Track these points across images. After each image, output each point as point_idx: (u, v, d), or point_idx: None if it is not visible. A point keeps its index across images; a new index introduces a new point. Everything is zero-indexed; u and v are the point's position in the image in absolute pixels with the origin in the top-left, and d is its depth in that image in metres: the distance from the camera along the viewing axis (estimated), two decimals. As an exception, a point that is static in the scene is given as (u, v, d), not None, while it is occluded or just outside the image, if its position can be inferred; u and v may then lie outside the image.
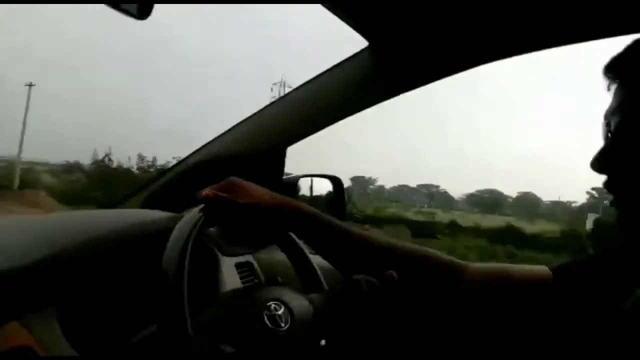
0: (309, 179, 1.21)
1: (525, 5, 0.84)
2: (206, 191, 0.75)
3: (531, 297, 0.72)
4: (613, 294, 0.61)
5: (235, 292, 0.84)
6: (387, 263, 0.75)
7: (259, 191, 0.77)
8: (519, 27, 0.91)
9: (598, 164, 0.58)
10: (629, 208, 0.56)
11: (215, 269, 1.02)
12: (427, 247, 0.83)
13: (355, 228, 0.82)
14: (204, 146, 1.22)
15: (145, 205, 1.18)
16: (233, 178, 0.78)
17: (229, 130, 1.19)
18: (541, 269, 0.75)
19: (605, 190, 0.58)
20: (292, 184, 1.17)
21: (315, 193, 1.24)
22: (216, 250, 1.04)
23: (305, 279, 0.86)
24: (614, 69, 0.56)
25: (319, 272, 0.86)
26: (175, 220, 0.72)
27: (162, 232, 0.72)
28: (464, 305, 0.75)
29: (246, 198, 0.75)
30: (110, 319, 0.76)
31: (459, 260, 0.81)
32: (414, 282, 0.76)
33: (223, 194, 0.75)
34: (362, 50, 1.02)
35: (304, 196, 1.23)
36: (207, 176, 1.17)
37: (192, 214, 0.73)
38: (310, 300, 0.80)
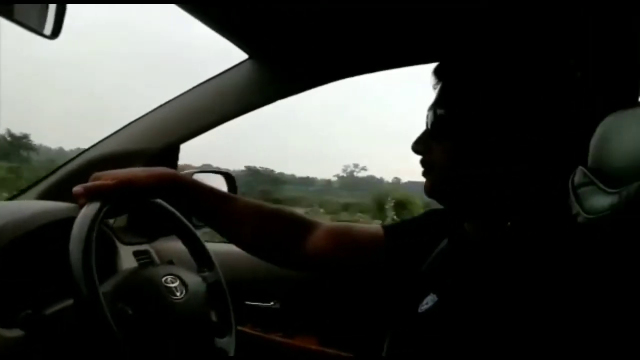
0: (202, 175, 1.30)
1: (391, 22, 0.96)
2: (75, 188, 0.77)
3: (367, 250, 0.85)
4: (428, 244, 0.76)
5: (135, 268, 0.94)
6: (253, 221, 0.86)
7: (128, 171, 0.81)
8: (383, 43, 1.05)
9: (416, 146, 0.69)
10: (434, 180, 0.69)
11: (113, 255, 1.10)
12: (291, 209, 0.94)
13: (225, 192, 0.90)
14: (99, 142, 1.28)
15: (40, 199, 1.22)
16: (96, 173, 0.81)
17: (124, 127, 1.27)
18: (377, 226, 0.89)
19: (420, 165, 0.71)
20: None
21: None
22: (114, 239, 1.13)
23: (198, 259, 0.98)
24: (438, 72, 0.69)
25: (210, 253, 0.98)
26: (76, 209, 0.77)
27: (67, 218, 0.80)
28: (308, 258, 0.87)
29: (117, 180, 0.77)
30: (25, 298, 0.82)
31: (316, 220, 0.91)
32: (269, 238, 0.87)
33: (105, 184, 0.77)
34: (244, 61, 1.16)
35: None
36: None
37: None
38: (203, 278, 0.95)
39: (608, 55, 0.88)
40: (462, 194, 0.66)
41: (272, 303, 1.26)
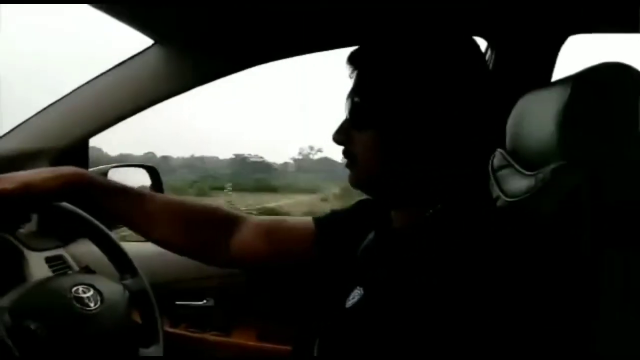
0: (120, 169, 1.21)
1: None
2: None
3: (298, 245, 0.82)
4: (358, 236, 0.75)
5: (42, 279, 0.85)
6: (175, 221, 0.81)
7: (29, 174, 0.75)
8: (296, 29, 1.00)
9: (337, 136, 0.67)
10: (357, 171, 0.67)
11: (20, 264, 1.00)
12: (217, 205, 0.90)
13: (138, 189, 0.84)
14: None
15: None
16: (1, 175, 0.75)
17: (21, 124, 1.15)
18: (308, 220, 0.84)
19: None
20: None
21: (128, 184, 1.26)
22: (21, 247, 1.03)
23: (117, 265, 0.91)
24: (353, 60, 0.66)
25: (129, 257, 0.91)
26: None
27: None
28: (237, 255, 0.84)
29: (18, 184, 0.73)
30: None
31: (244, 216, 0.87)
32: (192, 237, 0.82)
33: (4, 189, 0.72)
34: (149, 47, 1.08)
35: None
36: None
37: None
38: (125, 285, 0.88)
39: (522, 36, 0.89)
40: (386, 184, 0.65)
41: (204, 301, 1.21)
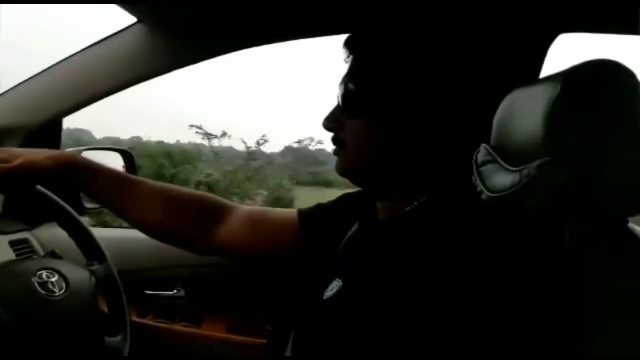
0: (93, 152, 1.17)
1: None
2: None
3: (282, 237, 0.81)
4: (341, 229, 0.75)
5: (5, 262, 0.81)
6: (161, 206, 0.80)
7: (29, 152, 0.76)
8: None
9: (327, 123, 0.67)
10: (346, 158, 0.66)
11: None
12: (205, 192, 0.88)
13: (129, 175, 0.84)
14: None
15: None
16: (5, 149, 0.76)
17: None
18: (292, 211, 0.84)
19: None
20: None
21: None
22: (-17, 229, 0.98)
23: (85, 250, 0.87)
24: (349, 45, 0.66)
25: (98, 242, 0.88)
26: None
27: None
28: (222, 245, 0.82)
29: (19, 162, 0.72)
30: None
31: (232, 205, 0.85)
32: (177, 224, 0.81)
33: (6, 166, 0.72)
34: (131, 25, 1.03)
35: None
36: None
37: None
38: (92, 271, 0.84)
39: (512, 32, 0.89)
40: (374, 172, 0.64)
41: (175, 291, 1.17)
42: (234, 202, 0.87)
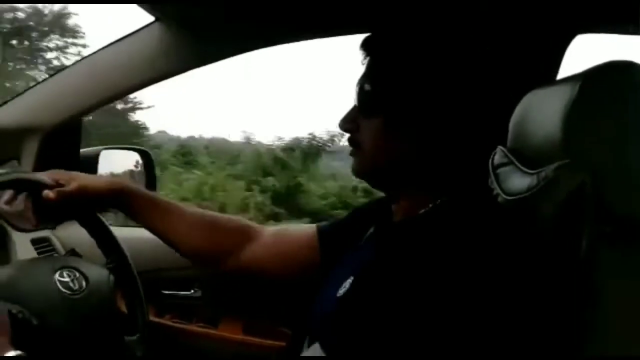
0: (112, 152, 1.20)
1: None
2: (50, 193, 0.77)
3: (303, 255, 0.83)
4: (357, 237, 0.75)
5: (26, 260, 0.84)
6: (194, 230, 0.85)
7: (86, 178, 0.82)
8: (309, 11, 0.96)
9: (344, 124, 0.68)
10: (362, 159, 0.67)
11: (5, 244, 0.98)
12: (232, 216, 0.93)
13: (167, 200, 0.89)
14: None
15: None
16: (57, 171, 0.82)
17: (14, 98, 1.12)
18: (311, 228, 0.85)
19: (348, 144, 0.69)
20: (92, 158, 1.15)
21: (119, 167, 1.24)
22: (6, 226, 1.00)
23: (105, 248, 0.89)
24: (366, 46, 0.66)
25: (118, 240, 0.89)
26: None
27: None
28: (247, 266, 0.85)
29: (76, 187, 0.78)
30: None
31: (257, 227, 0.89)
32: (208, 246, 0.86)
33: (64, 190, 0.78)
34: (149, 24, 1.04)
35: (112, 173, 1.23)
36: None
37: None
38: (110, 269, 0.86)
39: (529, 32, 0.88)
40: (389, 173, 0.65)
41: (192, 291, 1.19)
42: (261, 225, 0.91)
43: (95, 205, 0.84)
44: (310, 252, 0.82)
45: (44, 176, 0.80)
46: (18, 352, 0.60)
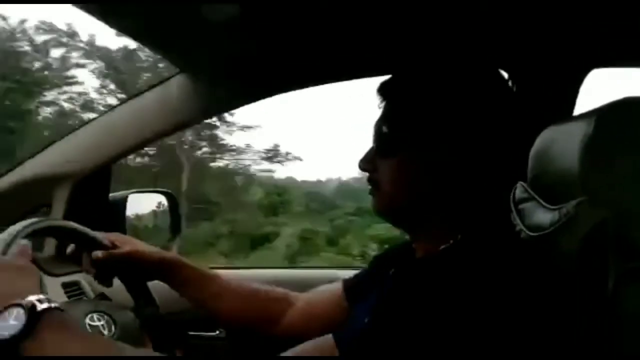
0: (139, 195, 1.23)
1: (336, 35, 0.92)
2: (99, 254, 0.81)
3: (334, 314, 0.85)
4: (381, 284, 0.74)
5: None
6: (233, 301, 0.89)
7: (140, 244, 0.86)
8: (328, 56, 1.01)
9: (362, 164, 0.70)
10: (381, 198, 0.68)
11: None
12: (273, 287, 0.95)
13: (211, 272, 0.92)
14: (19, 164, 1.17)
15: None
16: (117, 234, 0.87)
17: (46, 148, 1.17)
18: (337, 285, 0.89)
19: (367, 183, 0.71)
20: (121, 202, 1.19)
21: (143, 208, 1.28)
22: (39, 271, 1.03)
23: (135, 294, 0.90)
24: (382, 91, 0.68)
25: (147, 285, 0.90)
26: None
27: None
28: (282, 334, 0.88)
29: (127, 251, 0.83)
30: None
31: (293, 296, 0.93)
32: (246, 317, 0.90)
33: (116, 253, 0.82)
34: (174, 75, 1.10)
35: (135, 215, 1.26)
36: (31, 196, 1.15)
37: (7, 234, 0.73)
38: (138, 313, 0.87)
39: (545, 68, 0.89)
40: (408, 212, 0.66)
41: (217, 332, 1.19)
42: (295, 293, 0.95)
43: (145, 272, 0.87)
44: (340, 309, 0.85)
45: (100, 235, 0.84)
46: None
